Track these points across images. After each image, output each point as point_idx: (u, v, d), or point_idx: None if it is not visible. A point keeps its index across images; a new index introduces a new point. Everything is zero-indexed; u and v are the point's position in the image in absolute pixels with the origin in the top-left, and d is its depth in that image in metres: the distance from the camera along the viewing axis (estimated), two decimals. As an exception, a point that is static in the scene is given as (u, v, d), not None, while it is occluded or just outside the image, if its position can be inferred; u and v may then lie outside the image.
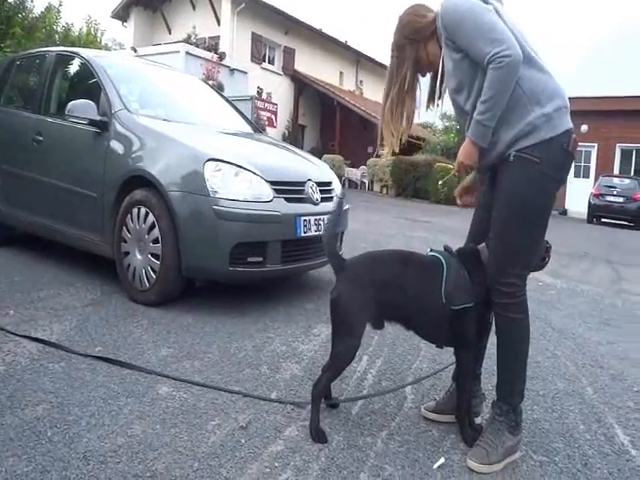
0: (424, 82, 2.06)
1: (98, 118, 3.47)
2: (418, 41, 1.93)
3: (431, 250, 1.99)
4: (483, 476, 1.74)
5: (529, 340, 1.88)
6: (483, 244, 1.93)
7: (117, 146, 3.41)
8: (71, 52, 4.27)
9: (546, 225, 1.85)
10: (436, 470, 1.74)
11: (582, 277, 5.77)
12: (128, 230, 3.26)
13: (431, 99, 2.06)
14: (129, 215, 3.24)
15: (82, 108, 3.48)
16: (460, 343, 1.90)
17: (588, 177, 19.27)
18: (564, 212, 18.10)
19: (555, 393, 2.48)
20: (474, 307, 1.83)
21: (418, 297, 1.87)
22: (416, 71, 2.00)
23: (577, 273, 5.99)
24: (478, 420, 2.10)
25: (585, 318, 3.92)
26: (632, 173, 18.48)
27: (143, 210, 3.17)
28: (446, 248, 1.98)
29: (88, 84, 3.80)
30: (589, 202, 16.23)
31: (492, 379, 2.43)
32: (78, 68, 4.09)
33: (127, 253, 3.27)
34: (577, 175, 19.02)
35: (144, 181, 3.20)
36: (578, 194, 17.76)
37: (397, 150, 2.09)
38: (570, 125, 1.77)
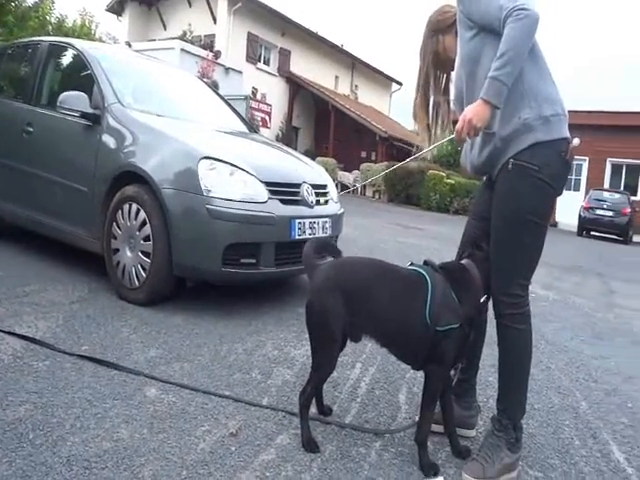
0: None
1: (90, 111, 3.41)
2: (437, 33, 1.95)
3: (411, 264, 1.89)
4: (478, 492, 1.70)
5: (531, 352, 1.84)
6: (467, 260, 1.87)
7: (109, 140, 3.35)
8: (65, 43, 4.19)
9: (545, 234, 1.82)
10: (431, 484, 1.70)
11: (574, 290, 5.77)
12: (118, 226, 3.19)
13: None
14: (120, 211, 3.18)
15: (74, 100, 3.41)
16: (437, 361, 1.76)
17: (579, 190, 19.47)
18: (555, 224, 18.21)
19: (550, 407, 2.45)
20: (459, 328, 1.74)
21: (396, 313, 1.76)
22: (436, 66, 1.99)
23: (569, 286, 5.99)
24: (473, 433, 2.07)
25: (577, 331, 3.91)
26: (622, 188, 18.72)
27: (134, 206, 3.11)
28: (427, 262, 1.88)
29: (81, 76, 3.73)
30: (579, 215, 16.37)
31: (486, 390, 2.41)
32: (71, 59, 4.01)
33: (117, 250, 3.21)
34: (568, 188, 18.99)
35: (136, 177, 3.14)
36: (568, 207, 17.87)
37: (430, 149, 2.10)
38: (567, 134, 1.76)
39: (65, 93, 3.42)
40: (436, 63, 1.99)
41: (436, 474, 1.74)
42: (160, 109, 3.73)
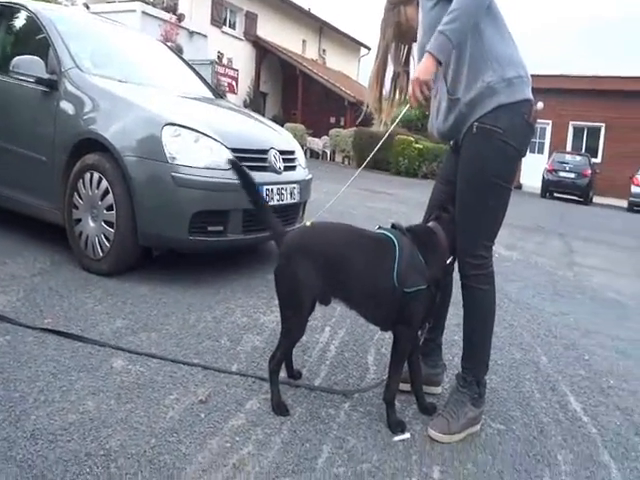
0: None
1: (46, 76, 3.26)
2: (399, 4, 1.92)
3: (379, 227, 1.90)
4: (443, 445, 1.76)
5: (495, 311, 1.89)
6: (433, 222, 1.89)
7: (68, 107, 3.21)
8: (16, 4, 3.91)
9: (509, 196, 1.85)
10: (398, 441, 1.75)
11: (536, 250, 5.94)
12: (80, 196, 3.09)
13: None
14: (81, 180, 3.08)
15: (28, 65, 3.25)
16: (405, 323, 1.79)
17: (542, 153, 19.87)
18: (519, 187, 18.60)
19: (512, 362, 2.54)
20: (426, 289, 1.77)
21: (366, 277, 1.78)
22: (398, 38, 1.97)
23: (531, 246, 6.16)
24: (439, 390, 2.13)
25: (539, 289, 4.04)
26: (583, 150, 19.17)
27: (96, 175, 3.02)
28: (395, 225, 1.88)
29: (35, 40, 3.54)
30: (543, 177, 16.76)
31: (452, 349, 2.48)
32: (24, 22, 3.78)
33: (79, 220, 3.12)
34: (532, 151, 19.53)
35: (97, 145, 3.03)
36: (532, 169, 18.27)
37: (389, 125, 2.05)
38: (530, 96, 1.77)
39: (18, 57, 3.25)
40: (398, 34, 1.97)
41: (403, 431, 1.79)
42: (121, 74, 3.58)
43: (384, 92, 2.02)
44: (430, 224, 1.90)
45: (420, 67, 1.69)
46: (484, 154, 1.76)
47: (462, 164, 1.83)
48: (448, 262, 1.87)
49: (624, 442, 1.93)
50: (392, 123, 2.12)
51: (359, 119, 2.05)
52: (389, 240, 1.80)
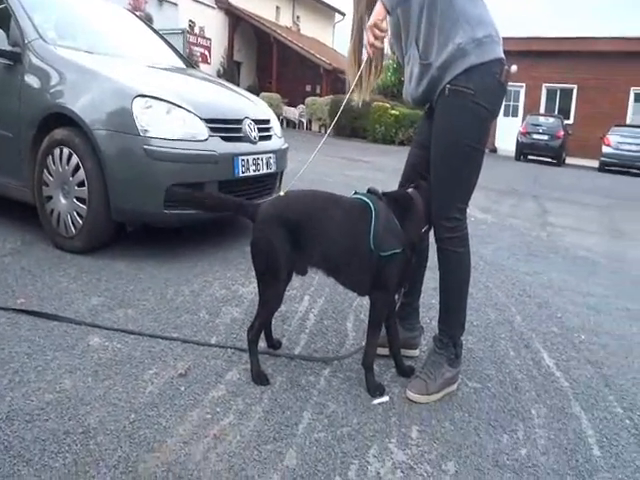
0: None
1: (8, 49, 3.12)
2: None
3: (355, 193, 1.89)
4: (421, 406, 1.80)
5: (470, 273, 1.92)
6: (412, 189, 1.89)
7: (33, 80, 3.08)
8: None
9: (482, 157, 1.85)
10: (377, 404, 1.78)
11: (511, 212, 6.03)
12: (50, 173, 3.01)
13: None
14: (50, 156, 2.99)
15: None
16: (381, 287, 1.80)
17: (516, 116, 19.95)
18: (494, 150, 18.73)
19: (487, 323, 2.59)
20: (402, 253, 1.78)
21: (342, 241, 1.78)
22: (371, 9, 1.89)
23: (506, 208, 6.25)
24: (417, 353, 2.17)
25: (514, 250, 4.11)
26: (556, 112, 19.29)
27: (66, 151, 2.93)
28: (371, 190, 1.88)
29: None
30: (517, 140, 16.88)
31: (429, 312, 2.51)
32: None
33: (50, 198, 3.04)
34: (507, 114, 19.62)
35: (66, 119, 2.93)
36: (507, 132, 18.40)
37: (367, 98, 2.03)
38: (502, 55, 1.77)
39: None
40: (370, 5, 1.90)
41: (382, 394, 1.83)
42: (88, 45, 3.45)
43: (362, 66, 1.99)
44: (409, 190, 1.90)
45: (373, 13, 1.68)
46: (456, 116, 1.76)
47: (435, 127, 1.82)
48: (424, 230, 1.87)
49: (594, 394, 2.00)
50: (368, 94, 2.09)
51: (346, 97, 2.00)
52: (365, 204, 1.79)
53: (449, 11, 1.71)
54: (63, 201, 2.99)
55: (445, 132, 1.79)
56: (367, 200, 1.80)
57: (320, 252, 1.80)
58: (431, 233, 1.94)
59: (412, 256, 1.85)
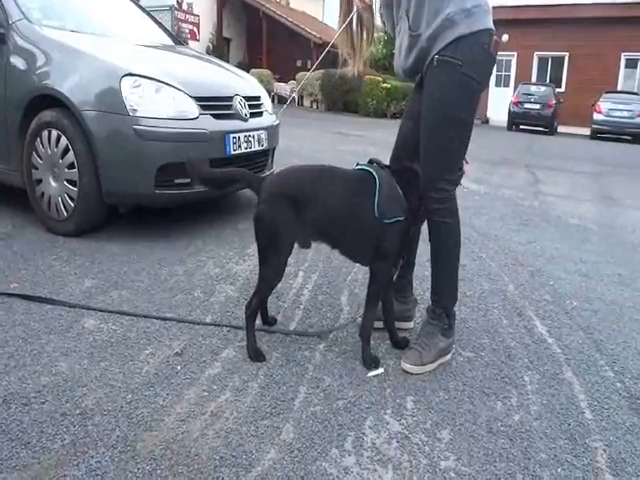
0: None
1: None
2: None
3: (358, 164, 1.89)
4: (416, 377, 1.82)
5: (460, 244, 1.92)
6: (417, 164, 1.88)
7: (18, 62, 3.03)
8: None
9: (471, 129, 1.84)
10: (372, 376, 1.80)
11: (503, 182, 6.02)
12: (39, 156, 2.98)
13: None
14: (38, 139, 2.95)
15: None
16: (382, 257, 1.82)
17: (508, 86, 19.77)
18: (486, 121, 18.61)
19: (481, 293, 2.61)
20: (404, 221, 1.80)
21: (347, 212, 1.79)
22: None
23: (498, 179, 6.24)
24: (411, 325, 2.18)
25: (506, 220, 4.12)
26: (547, 80, 19.12)
27: (54, 133, 2.90)
28: (372, 161, 1.89)
29: None
30: (509, 110, 16.76)
31: (422, 284, 2.53)
32: None
33: (40, 181, 3.01)
34: (498, 84, 19.45)
35: (53, 100, 2.89)
36: (499, 103, 18.26)
37: (362, 68, 2.01)
38: (491, 25, 1.75)
39: None
40: None
41: (377, 366, 1.85)
42: (74, 24, 3.39)
43: (353, 35, 1.96)
44: (412, 164, 1.90)
45: None
46: (444, 86, 1.75)
47: (424, 97, 1.82)
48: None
49: (586, 359, 2.03)
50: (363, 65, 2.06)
51: (339, 66, 1.98)
52: (369, 174, 1.81)
53: None
54: (53, 184, 2.96)
55: (433, 103, 1.78)
56: (370, 170, 1.82)
57: (325, 224, 1.81)
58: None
59: (411, 225, 1.85)
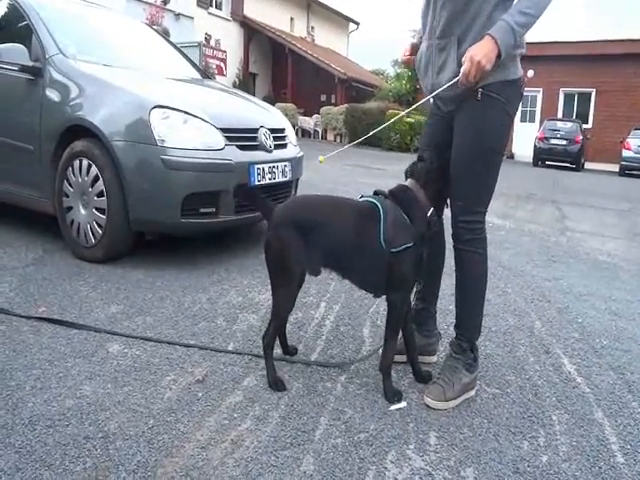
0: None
1: (30, 64, 3.22)
2: None
3: (362, 196, 1.91)
4: (439, 412, 1.78)
5: (487, 277, 1.90)
6: (409, 180, 1.89)
7: (53, 94, 3.17)
8: None
9: (501, 163, 1.88)
10: (394, 410, 1.77)
11: (529, 217, 5.96)
12: (70, 184, 3.08)
13: None
14: (70, 168, 3.06)
15: (11, 53, 3.23)
16: (397, 287, 1.81)
17: (534, 121, 19.74)
18: (511, 156, 18.56)
19: (506, 328, 2.56)
20: (413, 247, 1.78)
21: (353, 242, 1.80)
22: None
23: (524, 214, 6.17)
24: (434, 359, 2.15)
25: (532, 256, 4.06)
26: (574, 116, 19.05)
27: (85, 162, 3.00)
28: (377, 192, 1.91)
29: (18, 27, 3.46)
30: (534, 145, 16.70)
31: (447, 318, 2.49)
32: (6, 9, 3.69)
33: (70, 208, 3.11)
34: (523, 120, 19.44)
35: (85, 131, 3.01)
36: (524, 138, 18.21)
37: None
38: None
39: (0, 46, 3.21)
40: None
41: (400, 400, 1.81)
42: (107, 59, 3.54)
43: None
44: (406, 182, 1.90)
45: (484, 52, 1.61)
46: (487, 121, 1.77)
47: (461, 129, 1.82)
48: (429, 214, 1.84)
49: (617, 400, 1.96)
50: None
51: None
52: (372, 205, 1.82)
53: (491, 21, 1.70)
54: (83, 211, 3.05)
55: (472, 135, 1.78)
56: (374, 200, 1.84)
57: (332, 253, 1.82)
58: (449, 240, 1.93)
59: (423, 249, 1.84)
